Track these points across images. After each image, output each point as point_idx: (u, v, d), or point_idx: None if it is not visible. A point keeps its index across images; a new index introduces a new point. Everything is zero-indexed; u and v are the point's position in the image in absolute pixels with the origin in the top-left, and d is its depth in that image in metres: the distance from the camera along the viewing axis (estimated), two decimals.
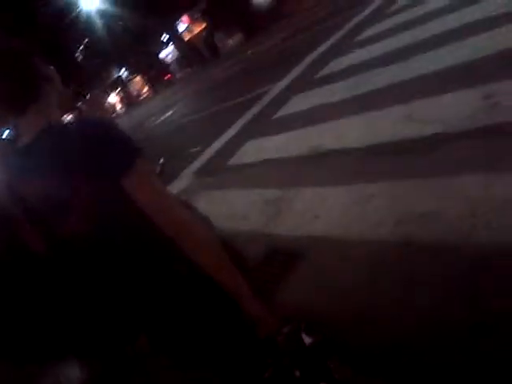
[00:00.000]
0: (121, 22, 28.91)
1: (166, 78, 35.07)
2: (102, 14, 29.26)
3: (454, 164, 2.31)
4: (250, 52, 18.14)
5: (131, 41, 32.22)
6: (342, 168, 3.07)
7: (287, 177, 3.52)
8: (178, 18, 34.71)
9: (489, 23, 3.90)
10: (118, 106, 43.68)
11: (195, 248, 1.03)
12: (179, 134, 9.46)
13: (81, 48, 36.26)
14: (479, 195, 1.97)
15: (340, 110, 4.10)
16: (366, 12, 8.80)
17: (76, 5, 28.68)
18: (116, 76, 41.86)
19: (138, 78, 41.70)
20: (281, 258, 2.53)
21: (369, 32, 6.82)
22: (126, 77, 42.09)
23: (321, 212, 2.68)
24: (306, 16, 17.33)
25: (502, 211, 1.81)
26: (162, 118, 14.80)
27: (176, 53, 38.51)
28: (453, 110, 2.83)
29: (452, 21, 4.67)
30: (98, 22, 30.03)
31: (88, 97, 39.31)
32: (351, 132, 3.53)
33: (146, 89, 40.85)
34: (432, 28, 4.87)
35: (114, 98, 44.19)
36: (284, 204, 3.07)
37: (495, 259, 1.64)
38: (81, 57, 37.04)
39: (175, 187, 4.92)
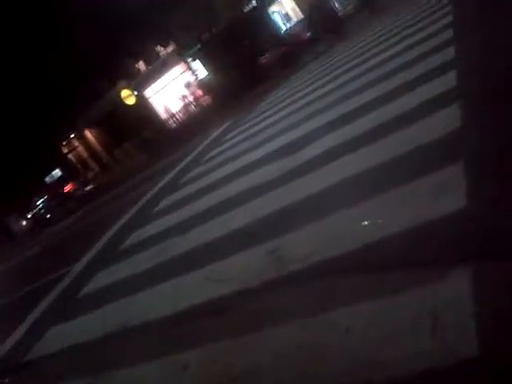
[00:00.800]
0: None
1: None
2: None
3: (254, 319, 2.42)
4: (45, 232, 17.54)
5: None
6: (152, 341, 2.96)
7: (97, 362, 3.24)
8: None
9: (265, 187, 4.52)
10: None
11: None
12: None
13: None
14: (282, 347, 2.07)
15: (144, 281, 4.09)
16: (161, 184, 9.45)
17: None
18: None
19: None
20: None
21: (165, 202, 7.26)
22: None
23: None
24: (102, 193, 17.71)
25: (306, 359, 1.92)
26: None
27: None
28: (244, 268, 3.07)
29: (237, 186, 5.30)
30: None
31: None
32: (157, 301, 3.51)
33: None
34: (219, 195, 5.43)
35: None
36: None
37: None
38: None
39: None
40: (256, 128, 8.91)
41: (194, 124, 20.86)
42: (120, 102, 24.34)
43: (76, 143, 30.23)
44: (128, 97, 24.50)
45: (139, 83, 25.33)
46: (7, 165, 26.91)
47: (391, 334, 1.73)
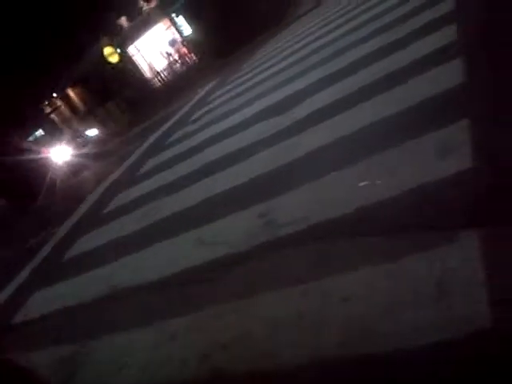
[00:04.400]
0: None
1: None
2: None
3: (247, 285, 2.32)
4: None
5: None
6: (141, 306, 2.86)
7: (85, 325, 3.16)
8: None
9: (254, 148, 4.36)
10: None
11: None
12: None
13: None
14: (274, 314, 1.98)
15: (132, 244, 3.98)
16: (145, 145, 9.23)
17: None
18: None
19: None
20: None
21: (150, 164, 7.09)
22: None
23: (125, 361, 2.42)
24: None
25: (299, 328, 1.83)
26: None
27: None
28: (235, 231, 2.95)
29: (225, 148, 5.12)
30: None
31: None
32: (146, 264, 3.40)
33: None
34: (208, 155, 5.25)
35: None
36: (83, 359, 2.71)
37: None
38: None
39: None
40: (243, 87, 8.65)
41: (179, 83, 20.37)
42: (103, 59, 23.64)
43: (58, 102, 29.49)
44: (111, 54, 23.77)
45: (122, 40, 24.50)
46: None
47: (392, 303, 1.63)
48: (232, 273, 2.53)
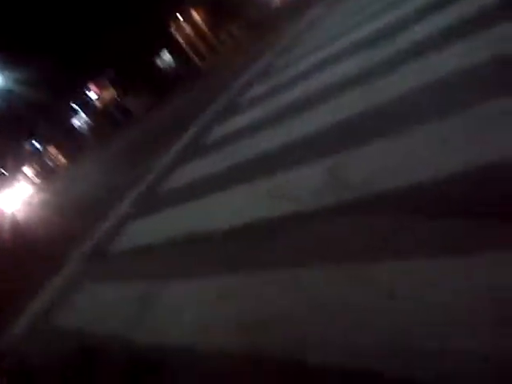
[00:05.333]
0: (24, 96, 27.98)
1: None
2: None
3: (296, 251, 2.14)
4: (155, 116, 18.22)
5: (38, 111, 31.40)
6: (208, 256, 2.82)
7: (158, 266, 3.25)
8: (85, 85, 34.45)
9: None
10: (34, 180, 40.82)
11: None
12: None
13: None
14: (316, 292, 1.81)
15: (211, 186, 3.98)
16: (249, 71, 9.04)
17: None
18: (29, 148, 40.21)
19: (51, 149, 40.36)
20: (140, 370, 2.28)
21: (252, 93, 6.94)
22: (39, 148, 40.57)
23: (182, 310, 2.44)
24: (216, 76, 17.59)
25: (337, 312, 1.64)
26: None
27: (88, 120, 37.95)
28: (304, 186, 2.70)
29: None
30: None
31: None
32: (219, 211, 3.37)
33: (61, 159, 39.58)
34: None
35: (28, 172, 41.61)
36: (153, 299, 2.77)
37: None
38: None
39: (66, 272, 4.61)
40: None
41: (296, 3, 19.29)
42: None
43: (183, 24, 29.92)
44: None
45: None
46: (120, 47, 27.60)
47: (453, 308, 1.33)
48: (291, 233, 2.35)
